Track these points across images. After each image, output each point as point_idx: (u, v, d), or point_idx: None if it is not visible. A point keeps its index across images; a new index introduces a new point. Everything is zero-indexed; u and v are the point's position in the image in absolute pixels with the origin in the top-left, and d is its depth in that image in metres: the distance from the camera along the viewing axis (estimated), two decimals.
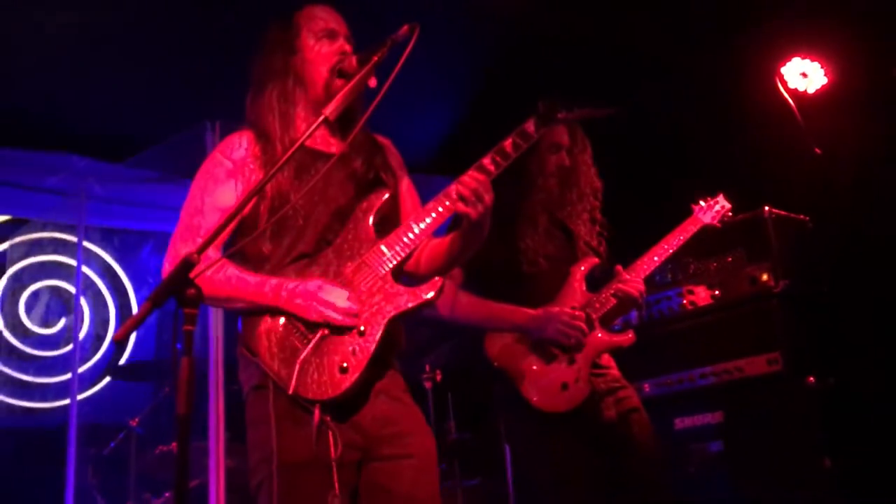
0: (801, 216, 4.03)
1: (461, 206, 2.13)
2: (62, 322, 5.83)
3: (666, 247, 3.05)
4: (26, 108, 4.58)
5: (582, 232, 3.06)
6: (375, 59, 2.11)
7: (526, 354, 2.80)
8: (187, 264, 1.69)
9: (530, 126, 2.25)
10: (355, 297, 2.09)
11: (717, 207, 3.25)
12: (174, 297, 1.67)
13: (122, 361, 5.95)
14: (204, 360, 3.92)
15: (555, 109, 2.29)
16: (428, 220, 2.17)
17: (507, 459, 4.28)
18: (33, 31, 4.08)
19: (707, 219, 3.20)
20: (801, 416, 3.54)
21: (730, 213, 3.28)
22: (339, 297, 2.06)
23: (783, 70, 4.46)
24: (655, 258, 3.01)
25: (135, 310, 6.07)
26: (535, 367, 2.77)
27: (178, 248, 2.15)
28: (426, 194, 2.33)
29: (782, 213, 3.93)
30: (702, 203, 3.26)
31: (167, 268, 2.14)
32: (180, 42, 3.92)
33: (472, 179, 2.13)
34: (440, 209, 2.17)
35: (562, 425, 2.73)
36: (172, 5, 3.69)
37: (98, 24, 4.02)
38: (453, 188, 2.15)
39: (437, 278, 2.15)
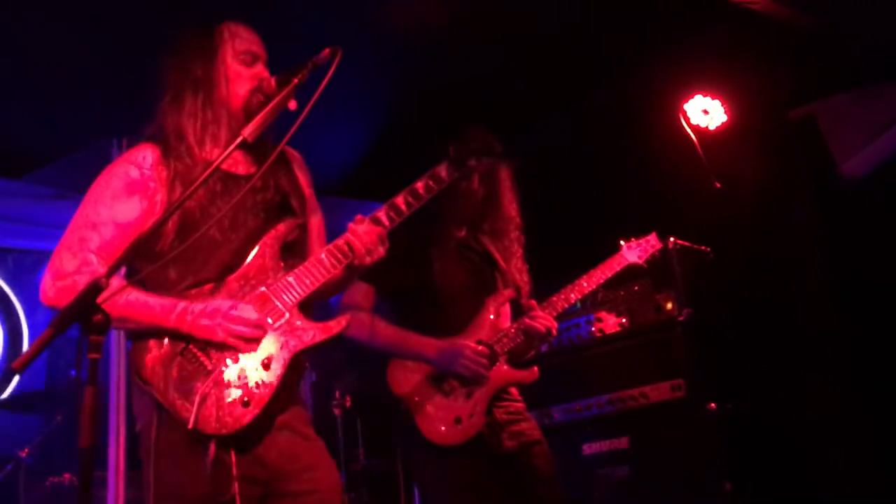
0: (703, 247, 4.18)
1: (357, 255, 2.16)
2: None
3: (585, 284, 3.08)
4: None
5: (503, 259, 3.08)
6: (296, 81, 2.09)
7: (424, 385, 2.81)
8: (95, 288, 1.60)
9: (442, 171, 2.31)
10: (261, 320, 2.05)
11: (647, 246, 3.27)
12: (79, 323, 1.58)
13: (5, 394, 5.55)
14: (104, 386, 3.75)
15: (466, 156, 2.37)
16: (333, 256, 2.16)
17: (416, 488, 4.25)
18: None
19: (633, 257, 3.23)
20: (703, 441, 3.64)
21: (658, 254, 3.30)
22: (248, 311, 2.02)
23: (686, 106, 4.63)
24: (573, 295, 3.03)
25: (26, 334, 5.76)
26: (431, 399, 2.78)
27: (64, 261, 2.04)
28: (339, 217, 2.32)
29: (685, 243, 4.06)
30: (631, 241, 3.27)
31: (48, 281, 2.04)
32: (86, 54, 3.76)
33: (371, 229, 2.17)
34: (343, 247, 2.17)
35: (458, 456, 2.73)
36: (78, 14, 3.54)
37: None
38: (354, 236, 2.16)
39: (345, 315, 2.16)
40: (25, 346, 5.72)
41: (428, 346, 2.80)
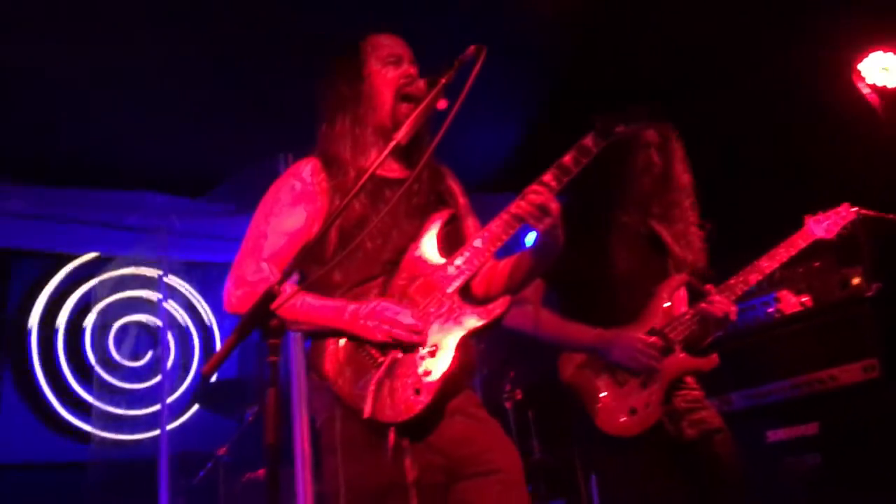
0: (891, 216, 3.86)
1: (529, 222, 2.11)
2: (149, 355, 5.99)
3: (766, 265, 2.89)
4: (106, 149, 4.75)
5: (675, 242, 2.95)
6: (444, 80, 2.11)
7: (596, 376, 2.75)
8: (269, 296, 1.70)
9: (589, 141, 2.22)
10: (420, 316, 2.09)
11: (837, 219, 3.03)
12: (258, 329, 1.69)
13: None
14: (287, 386, 3.97)
15: (612, 123, 2.27)
16: (491, 237, 2.15)
17: (593, 479, 4.20)
18: (112, 73, 4.24)
19: (821, 232, 3.00)
20: None
21: (850, 226, 3.05)
22: (403, 315, 2.07)
23: (861, 66, 4.30)
24: (752, 277, 2.85)
25: (217, 340, 6.21)
26: (604, 390, 2.72)
27: (242, 271, 2.18)
28: (491, 213, 2.32)
29: (871, 213, 3.76)
30: (818, 214, 3.04)
31: (230, 290, 2.17)
32: (252, 77, 4.01)
33: (534, 194, 2.11)
34: (504, 226, 2.15)
35: (636, 447, 2.66)
36: (244, 42, 3.78)
37: (171, 63, 4.15)
38: (515, 205, 2.13)
39: (505, 297, 2.14)
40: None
41: (595, 338, 2.74)
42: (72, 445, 5.56)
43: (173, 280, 5.84)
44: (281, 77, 3.95)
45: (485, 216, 2.42)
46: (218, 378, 6.03)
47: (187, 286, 6.15)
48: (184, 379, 6.08)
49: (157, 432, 5.33)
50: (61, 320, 5.73)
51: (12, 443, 5.36)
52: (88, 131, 4.60)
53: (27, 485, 5.20)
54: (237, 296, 2.16)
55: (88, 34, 3.84)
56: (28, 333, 5.59)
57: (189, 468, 4.93)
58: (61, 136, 4.59)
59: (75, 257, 5.81)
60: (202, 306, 6.28)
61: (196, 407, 5.92)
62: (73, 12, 3.70)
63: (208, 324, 6.29)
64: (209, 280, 6.11)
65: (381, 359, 2.06)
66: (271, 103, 4.15)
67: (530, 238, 2.33)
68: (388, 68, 2.32)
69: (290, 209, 2.23)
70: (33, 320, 5.63)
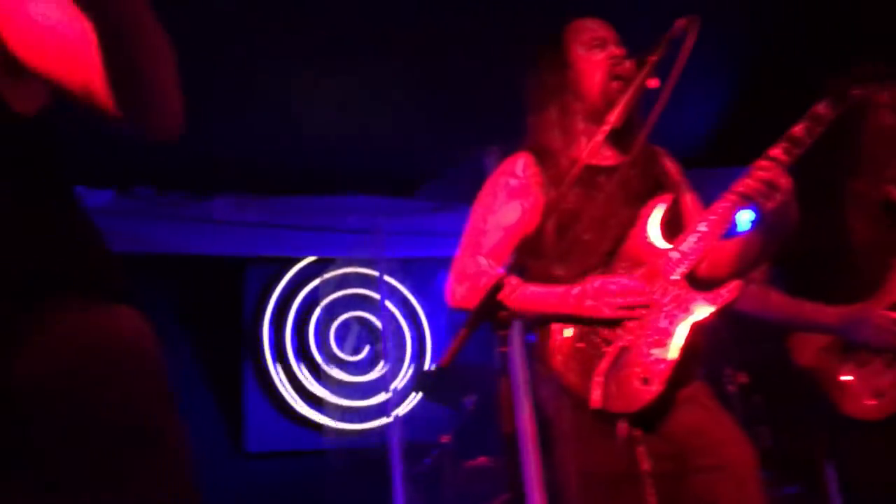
0: None
1: (757, 201, 2.00)
2: (367, 349, 6.33)
3: None
4: (321, 157, 5.06)
5: None
6: (653, 59, 2.06)
7: (833, 357, 2.58)
8: (498, 287, 1.74)
9: (822, 108, 2.06)
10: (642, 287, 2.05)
11: None
12: (488, 320, 1.74)
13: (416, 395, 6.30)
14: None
15: (847, 86, 2.09)
16: (717, 220, 2.07)
17: (831, 465, 3.93)
18: (323, 88, 4.51)
19: None
20: None
21: None
22: (622, 281, 2.05)
23: None
24: None
25: (428, 336, 6.45)
26: (844, 372, 2.55)
27: (464, 266, 2.24)
28: (704, 187, 2.23)
29: None
30: None
31: (453, 286, 2.24)
32: (455, 74, 4.11)
33: (761, 171, 1.99)
34: (730, 207, 2.06)
35: (885, 431, 2.49)
36: (442, 40, 3.88)
37: (375, 72, 4.35)
38: (742, 184, 2.03)
39: (736, 281, 2.05)
40: (428, 348, 6.44)
41: (830, 315, 2.58)
42: (308, 435, 5.99)
43: (389, 278, 6.13)
44: (482, 70, 4.02)
45: (701, 192, 2.34)
46: (435, 368, 6.29)
47: (399, 284, 6.41)
48: (399, 372, 6.35)
49: (383, 421, 5.63)
50: (290, 319, 6.18)
51: (260, 435, 5.84)
52: (303, 142, 4.91)
53: (274, 472, 5.68)
54: (461, 291, 2.22)
55: (300, 49, 4.09)
56: (261, 333, 6.06)
57: (415, 455, 5.15)
58: (281, 147, 4.93)
59: (298, 260, 6.23)
60: (413, 302, 6.54)
61: (414, 397, 6.17)
62: (288, 26, 3.92)
63: (420, 320, 6.55)
64: (424, 276, 6.35)
65: (607, 348, 2.05)
66: (473, 97, 4.23)
67: (742, 217, 2.22)
68: (593, 52, 2.29)
69: (506, 205, 2.27)
70: (266, 321, 6.10)
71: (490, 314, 1.74)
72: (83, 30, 1.17)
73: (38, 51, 1.20)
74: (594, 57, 2.29)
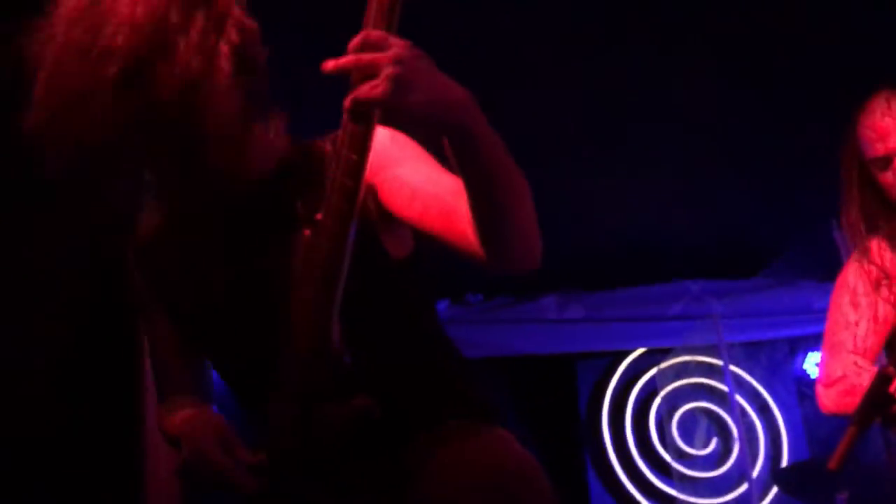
0: None
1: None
2: (714, 442, 5.98)
3: None
4: (645, 244, 4.97)
5: None
6: None
7: None
8: (884, 380, 1.56)
9: None
10: None
11: None
12: (880, 415, 1.54)
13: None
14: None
15: None
16: None
17: None
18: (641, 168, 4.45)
19: None
20: None
21: None
22: None
23: None
24: None
25: (783, 428, 5.97)
26: None
27: (829, 369, 2.07)
28: None
29: None
30: None
31: (822, 392, 2.08)
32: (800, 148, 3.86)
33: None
34: None
35: None
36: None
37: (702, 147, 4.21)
38: None
39: None
40: (784, 439, 5.93)
41: None
42: None
43: (734, 368, 5.82)
44: (816, 143, 3.74)
45: None
46: (793, 461, 5.76)
47: (744, 373, 6.05)
48: (754, 466, 5.90)
49: None
50: (628, 413, 6.05)
51: None
52: (626, 230, 4.87)
53: None
54: (831, 395, 2.06)
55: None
56: (601, 427, 5.99)
57: None
58: (600, 239, 4.92)
59: (628, 353, 6.13)
60: (762, 390, 6.11)
61: (773, 492, 5.68)
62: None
63: (771, 411, 6.09)
64: (775, 362, 5.94)
65: None
66: (811, 166, 3.93)
67: None
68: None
69: (858, 295, 2.08)
70: (604, 414, 6.03)
71: (880, 409, 1.55)
72: (452, 184, 1.25)
73: (413, 208, 1.30)
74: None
